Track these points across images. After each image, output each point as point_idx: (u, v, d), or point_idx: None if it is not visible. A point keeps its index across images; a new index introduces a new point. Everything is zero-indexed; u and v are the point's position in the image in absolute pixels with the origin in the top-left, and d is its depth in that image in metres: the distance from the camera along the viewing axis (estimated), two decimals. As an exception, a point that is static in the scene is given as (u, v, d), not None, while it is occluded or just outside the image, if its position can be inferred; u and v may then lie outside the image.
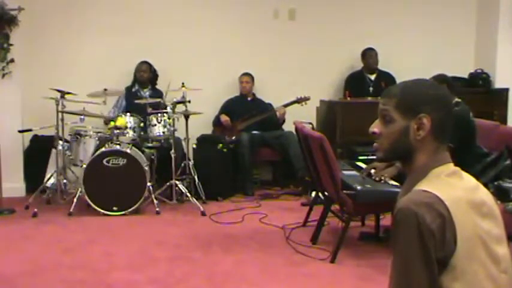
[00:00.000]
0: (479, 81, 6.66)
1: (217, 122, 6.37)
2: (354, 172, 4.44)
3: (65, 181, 5.54)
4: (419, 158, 1.57)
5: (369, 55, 6.61)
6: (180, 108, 5.67)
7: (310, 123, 6.17)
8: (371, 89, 6.55)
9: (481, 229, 1.47)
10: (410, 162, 1.58)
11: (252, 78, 6.46)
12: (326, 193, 4.51)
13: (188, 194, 5.47)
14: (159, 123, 5.59)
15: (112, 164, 5.21)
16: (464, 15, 6.95)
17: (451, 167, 1.56)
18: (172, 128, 5.55)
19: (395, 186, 3.97)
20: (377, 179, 4.12)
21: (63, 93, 5.44)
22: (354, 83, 6.61)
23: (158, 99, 5.83)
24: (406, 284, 1.42)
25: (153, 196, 5.30)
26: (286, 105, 6.27)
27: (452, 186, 1.49)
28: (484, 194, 1.55)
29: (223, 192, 5.88)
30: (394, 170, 4.10)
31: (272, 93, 6.54)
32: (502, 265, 1.49)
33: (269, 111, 6.34)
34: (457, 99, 4.31)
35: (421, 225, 1.39)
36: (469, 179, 1.57)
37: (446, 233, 1.41)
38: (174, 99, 5.62)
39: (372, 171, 4.24)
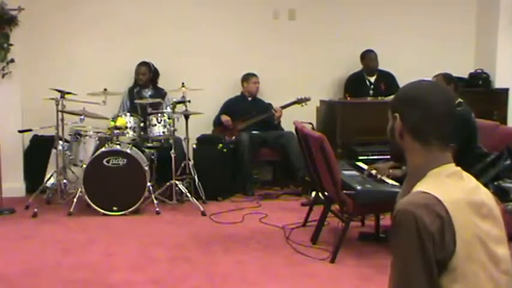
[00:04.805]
0: (479, 81, 6.66)
1: (217, 122, 6.37)
2: (354, 172, 4.44)
3: (65, 181, 5.54)
4: (411, 159, 1.59)
5: (368, 58, 6.58)
6: (180, 108, 5.68)
7: (310, 123, 6.17)
8: (371, 91, 6.54)
9: (481, 230, 1.46)
10: (406, 163, 1.61)
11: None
12: (326, 193, 4.51)
13: (188, 194, 5.47)
14: (159, 123, 5.59)
15: (112, 164, 5.21)
16: (464, 15, 6.94)
17: (451, 167, 1.55)
18: (172, 128, 5.55)
19: (395, 186, 3.97)
20: (378, 177, 4.12)
21: (63, 93, 5.44)
22: (354, 85, 6.59)
23: (158, 100, 5.85)
24: (406, 285, 1.42)
25: (153, 196, 5.30)
26: (284, 107, 6.28)
27: (452, 187, 1.49)
28: (484, 195, 1.55)
29: (223, 192, 5.88)
30: (399, 172, 4.10)
31: (272, 93, 6.54)
32: (502, 266, 1.48)
33: (268, 112, 6.35)
34: (459, 100, 4.30)
35: (419, 226, 1.39)
36: (469, 180, 1.57)
37: (446, 235, 1.41)
38: (174, 99, 5.62)
39: (373, 171, 4.24)
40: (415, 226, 1.39)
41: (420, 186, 1.50)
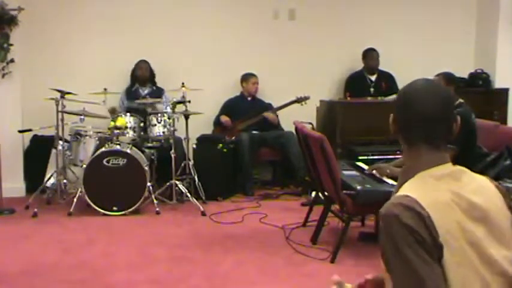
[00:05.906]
0: (479, 81, 6.66)
1: (217, 122, 6.37)
2: (354, 172, 4.44)
3: (65, 181, 5.54)
4: (404, 159, 1.59)
5: (370, 56, 6.59)
6: (180, 108, 5.68)
7: (310, 123, 6.16)
8: (372, 90, 6.55)
9: (471, 232, 1.43)
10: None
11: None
12: (326, 193, 4.51)
13: (188, 194, 5.47)
14: (159, 123, 5.59)
15: (112, 164, 5.21)
16: (464, 15, 6.95)
17: (443, 168, 1.51)
18: (172, 128, 5.55)
19: (395, 186, 3.96)
20: (377, 175, 4.13)
21: (63, 93, 5.45)
22: (355, 84, 6.59)
23: (158, 99, 5.87)
24: (411, 274, 1.38)
25: (153, 196, 5.30)
26: (279, 108, 6.29)
27: (437, 190, 1.46)
28: (481, 198, 1.49)
29: (223, 192, 5.88)
30: (398, 170, 4.09)
31: (272, 93, 6.54)
32: (496, 267, 1.45)
33: (265, 112, 6.35)
34: (460, 100, 4.29)
35: (404, 224, 1.38)
36: (470, 181, 1.53)
37: (433, 234, 1.38)
38: (174, 99, 5.63)
39: (374, 172, 4.24)
40: (399, 224, 1.38)
41: (405, 188, 1.49)
